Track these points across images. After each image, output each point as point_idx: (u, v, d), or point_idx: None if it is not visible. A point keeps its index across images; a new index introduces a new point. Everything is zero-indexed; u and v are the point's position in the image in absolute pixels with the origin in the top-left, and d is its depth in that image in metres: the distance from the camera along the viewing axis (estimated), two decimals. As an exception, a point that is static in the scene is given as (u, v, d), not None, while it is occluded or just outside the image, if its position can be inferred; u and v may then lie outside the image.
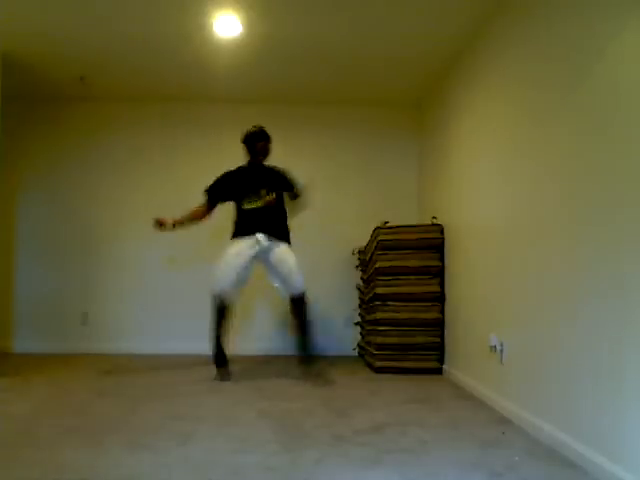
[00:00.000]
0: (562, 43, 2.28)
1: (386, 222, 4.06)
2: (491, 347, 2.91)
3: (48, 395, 3.02)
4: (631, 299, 1.72)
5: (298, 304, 3.57)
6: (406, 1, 3.15)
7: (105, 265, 4.86)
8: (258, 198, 3.56)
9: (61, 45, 3.79)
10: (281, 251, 3.52)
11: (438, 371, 3.86)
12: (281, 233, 3.59)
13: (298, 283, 3.52)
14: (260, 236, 3.50)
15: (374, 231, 4.12)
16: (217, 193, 3.66)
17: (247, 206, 3.58)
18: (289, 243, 3.61)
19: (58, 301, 4.81)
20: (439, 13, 3.26)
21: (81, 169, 4.90)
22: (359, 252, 4.69)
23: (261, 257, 3.55)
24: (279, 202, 3.61)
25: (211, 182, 3.67)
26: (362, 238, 4.49)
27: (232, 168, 3.69)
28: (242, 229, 3.58)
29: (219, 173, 3.69)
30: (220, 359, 3.57)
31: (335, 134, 4.99)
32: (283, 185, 3.64)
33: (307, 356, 3.58)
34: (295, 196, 3.65)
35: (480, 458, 2.00)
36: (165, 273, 4.85)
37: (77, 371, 3.79)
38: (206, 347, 4.60)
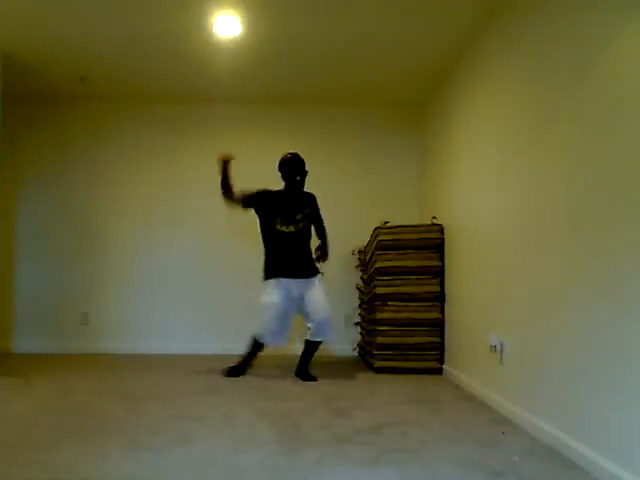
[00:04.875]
0: (562, 42, 2.28)
1: (386, 222, 4.06)
2: (491, 347, 2.91)
3: (48, 395, 3.02)
4: (631, 299, 1.72)
5: (312, 347, 3.66)
6: (406, 1, 3.15)
7: (105, 265, 4.86)
8: (291, 223, 3.61)
9: (61, 45, 3.79)
10: (313, 295, 3.56)
11: (438, 371, 3.86)
12: (309, 266, 3.64)
13: (325, 332, 3.60)
14: (291, 283, 3.55)
15: (374, 231, 4.12)
16: (253, 201, 3.65)
17: (280, 228, 3.61)
18: (319, 272, 3.67)
19: (58, 301, 4.81)
20: (439, 13, 3.26)
21: (81, 169, 4.90)
22: (359, 252, 4.69)
23: (296, 300, 3.60)
24: (308, 230, 3.69)
25: (252, 192, 3.64)
26: (362, 238, 4.49)
27: (272, 189, 3.69)
28: (274, 266, 3.61)
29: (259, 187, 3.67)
30: (236, 372, 3.64)
31: (335, 134, 4.98)
32: (314, 216, 3.73)
33: (303, 374, 3.62)
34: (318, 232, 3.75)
35: (480, 458, 2.00)
36: (165, 273, 4.85)
37: (77, 371, 3.79)
38: (205, 347, 4.63)
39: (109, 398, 2.94)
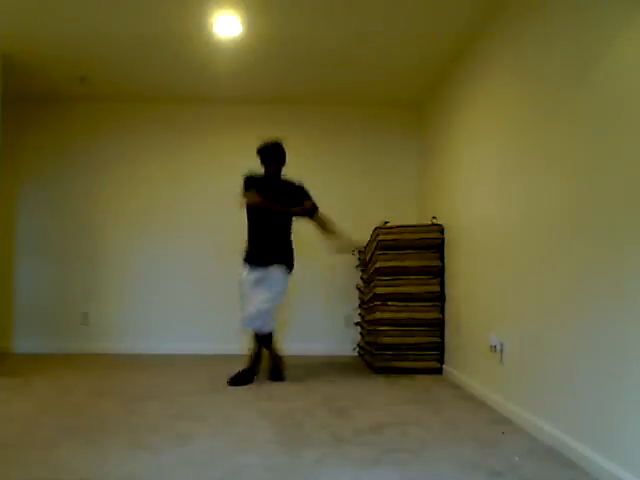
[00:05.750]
0: (562, 41, 2.28)
1: (386, 222, 4.06)
2: (491, 347, 2.91)
3: (48, 395, 3.02)
4: (631, 299, 1.72)
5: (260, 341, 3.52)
6: (406, 1, 3.15)
7: (105, 265, 4.86)
8: (263, 214, 3.52)
9: (61, 45, 3.79)
10: (259, 285, 3.44)
11: (438, 371, 3.86)
12: (273, 256, 3.50)
13: (257, 319, 3.40)
14: (255, 270, 3.47)
15: (374, 231, 4.12)
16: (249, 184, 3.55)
17: (255, 217, 3.54)
18: (289, 266, 3.53)
19: (58, 301, 4.81)
20: (439, 13, 3.26)
21: (81, 169, 4.90)
22: (359, 252, 4.69)
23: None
24: (285, 219, 3.57)
25: (244, 180, 3.54)
26: (362, 238, 4.49)
27: (254, 172, 3.58)
28: (249, 252, 3.55)
29: (239, 173, 3.56)
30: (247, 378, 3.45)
31: (335, 134, 4.98)
32: (297, 201, 3.57)
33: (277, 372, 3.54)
34: (312, 213, 3.58)
35: (480, 458, 2.00)
36: (165, 273, 4.85)
37: (77, 371, 3.79)
38: (205, 347, 4.63)
39: (109, 398, 2.94)
